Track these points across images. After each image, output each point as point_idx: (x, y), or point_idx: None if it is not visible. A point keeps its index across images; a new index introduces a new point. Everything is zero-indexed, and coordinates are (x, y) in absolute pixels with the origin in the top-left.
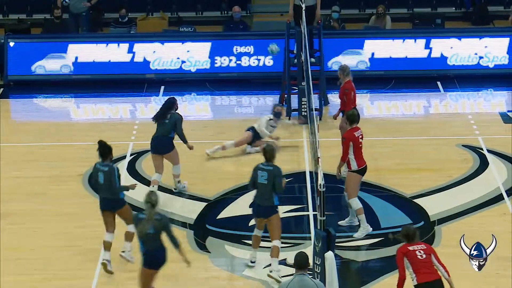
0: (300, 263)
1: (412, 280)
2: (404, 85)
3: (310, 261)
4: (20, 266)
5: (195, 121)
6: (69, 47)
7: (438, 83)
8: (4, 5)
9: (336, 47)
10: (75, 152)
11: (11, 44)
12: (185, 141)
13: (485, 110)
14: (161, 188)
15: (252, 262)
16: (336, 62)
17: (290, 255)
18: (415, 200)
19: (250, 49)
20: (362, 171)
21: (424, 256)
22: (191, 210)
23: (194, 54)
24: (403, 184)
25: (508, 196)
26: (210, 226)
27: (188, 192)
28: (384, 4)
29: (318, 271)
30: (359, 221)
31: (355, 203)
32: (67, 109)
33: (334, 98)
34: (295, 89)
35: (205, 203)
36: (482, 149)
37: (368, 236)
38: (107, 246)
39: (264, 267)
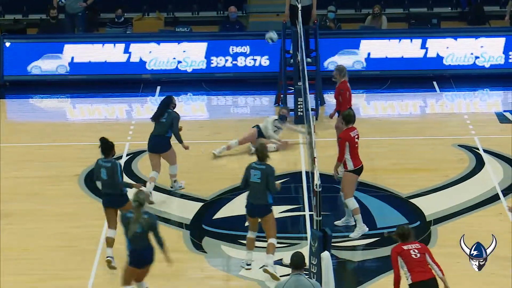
0: (297, 263)
1: (407, 279)
2: (400, 85)
3: (307, 261)
4: (19, 266)
5: (191, 121)
6: (65, 47)
7: (434, 83)
8: None
9: (332, 47)
10: (71, 152)
11: (7, 44)
12: (180, 141)
13: (481, 110)
14: (157, 188)
15: (248, 265)
16: (332, 62)
17: (286, 255)
18: (411, 200)
19: (246, 49)
20: (358, 171)
21: (418, 255)
22: (187, 210)
23: (190, 54)
24: (399, 184)
25: (504, 196)
26: (206, 226)
27: (184, 192)
28: (380, 4)
29: (315, 271)
30: (355, 221)
31: (352, 203)
32: (63, 109)
33: (330, 98)
34: (291, 89)
35: (201, 203)
36: (478, 149)
37: (364, 236)
38: (110, 242)
39: (260, 267)
